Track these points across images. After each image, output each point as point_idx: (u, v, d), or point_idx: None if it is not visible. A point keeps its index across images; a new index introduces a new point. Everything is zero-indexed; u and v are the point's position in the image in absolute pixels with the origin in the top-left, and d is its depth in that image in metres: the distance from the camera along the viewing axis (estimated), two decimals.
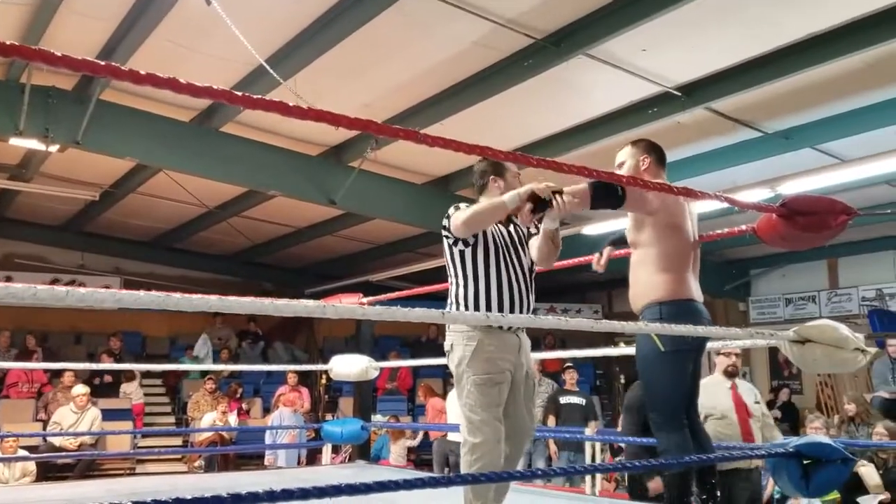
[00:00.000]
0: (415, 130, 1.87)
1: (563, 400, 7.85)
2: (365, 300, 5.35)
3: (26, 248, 11.39)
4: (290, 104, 1.84)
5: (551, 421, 7.57)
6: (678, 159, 7.41)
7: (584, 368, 11.57)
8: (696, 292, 2.96)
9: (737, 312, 11.50)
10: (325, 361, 5.70)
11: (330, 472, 5.83)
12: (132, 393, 9.62)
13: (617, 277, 11.92)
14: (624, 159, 3.16)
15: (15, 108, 6.27)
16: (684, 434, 2.87)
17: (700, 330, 2.70)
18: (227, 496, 1.69)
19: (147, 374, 10.51)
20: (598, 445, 5.50)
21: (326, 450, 7.11)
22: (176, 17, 5.39)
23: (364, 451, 7.07)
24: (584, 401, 7.89)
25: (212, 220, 10.46)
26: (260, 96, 1.85)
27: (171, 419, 10.34)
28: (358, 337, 8.43)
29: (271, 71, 5.23)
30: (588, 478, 5.24)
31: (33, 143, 6.70)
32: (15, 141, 6.64)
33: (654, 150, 3.12)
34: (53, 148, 6.85)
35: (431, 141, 1.84)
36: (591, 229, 8.03)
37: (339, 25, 5.43)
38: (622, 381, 13.59)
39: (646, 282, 2.95)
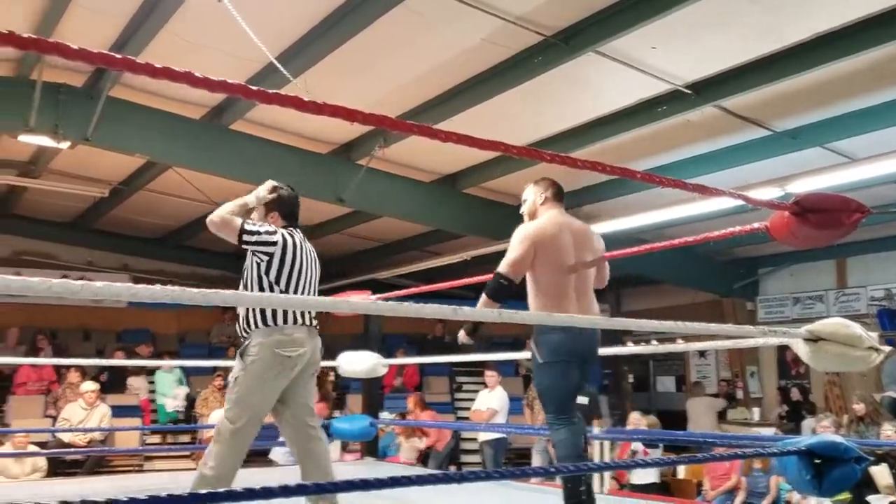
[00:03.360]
0: (428, 126, 1.87)
1: None
2: (373, 297, 5.36)
3: (34, 245, 11.42)
4: (291, 100, 1.85)
5: None
6: (687, 157, 7.41)
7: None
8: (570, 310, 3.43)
9: (745, 312, 11.45)
10: (333, 359, 5.70)
11: (339, 468, 5.81)
12: (140, 388, 9.65)
13: (625, 276, 11.92)
14: (526, 196, 3.72)
15: (25, 105, 6.30)
16: (571, 429, 3.42)
17: (713, 328, 2.71)
18: (223, 493, 1.69)
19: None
20: (606, 444, 5.49)
21: (335, 446, 7.14)
22: (185, 13, 5.41)
23: (372, 448, 7.08)
24: (587, 399, 7.85)
25: None
26: (276, 91, 1.85)
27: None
28: (366, 334, 8.41)
29: (281, 68, 5.23)
30: (596, 476, 5.23)
31: (44, 140, 6.72)
32: (25, 137, 6.68)
33: (551, 187, 3.65)
34: (64, 144, 6.88)
35: (444, 136, 1.84)
36: (599, 227, 8.00)
37: (348, 23, 5.44)
38: (630, 380, 13.59)
39: (531, 308, 3.53)
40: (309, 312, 3.44)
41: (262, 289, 3.32)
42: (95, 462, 7.95)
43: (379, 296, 5.45)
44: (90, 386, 8.16)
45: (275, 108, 6.87)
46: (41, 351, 9.90)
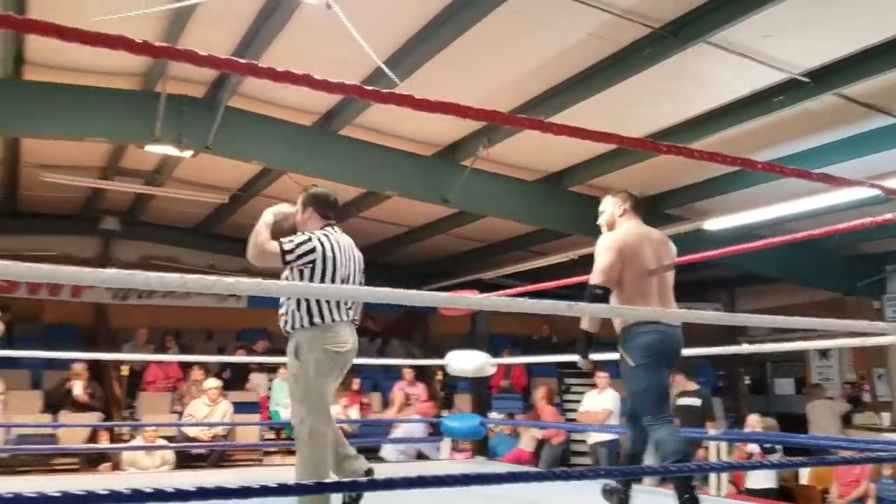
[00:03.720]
0: (540, 120, 1.87)
1: (679, 402, 7.63)
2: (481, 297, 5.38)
3: (160, 250, 12.08)
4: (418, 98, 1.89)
5: (675, 423, 7.35)
6: (809, 148, 7.06)
7: (702, 369, 11.20)
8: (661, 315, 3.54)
9: (871, 311, 10.80)
10: (440, 357, 5.77)
11: (449, 466, 5.89)
12: (259, 385, 10.07)
13: (740, 274, 11.47)
14: (604, 208, 3.84)
15: (151, 116, 6.69)
16: (669, 427, 3.49)
17: (838, 323, 2.59)
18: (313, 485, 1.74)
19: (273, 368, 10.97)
20: (723, 446, 5.31)
21: (445, 445, 7.21)
22: (296, 24, 5.60)
23: (483, 447, 7.09)
24: (699, 402, 7.62)
25: None
26: (389, 90, 1.89)
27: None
28: (473, 334, 8.45)
29: (388, 72, 5.34)
30: (713, 479, 5.07)
31: (168, 149, 7.12)
32: (151, 147, 7.09)
33: (630, 199, 3.77)
34: (187, 153, 7.26)
35: (558, 130, 1.84)
36: (713, 224, 7.77)
37: (453, 25, 5.49)
38: (747, 381, 13.06)
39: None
40: (351, 309, 3.52)
41: (307, 298, 3.41)
42: (219, 456, 8.35)
43: (484, 295, 5.47)
44: (213, 383, 8.56)
45: (381, 113, 7.10)
46: (168, 350, 10.47)
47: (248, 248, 3.52)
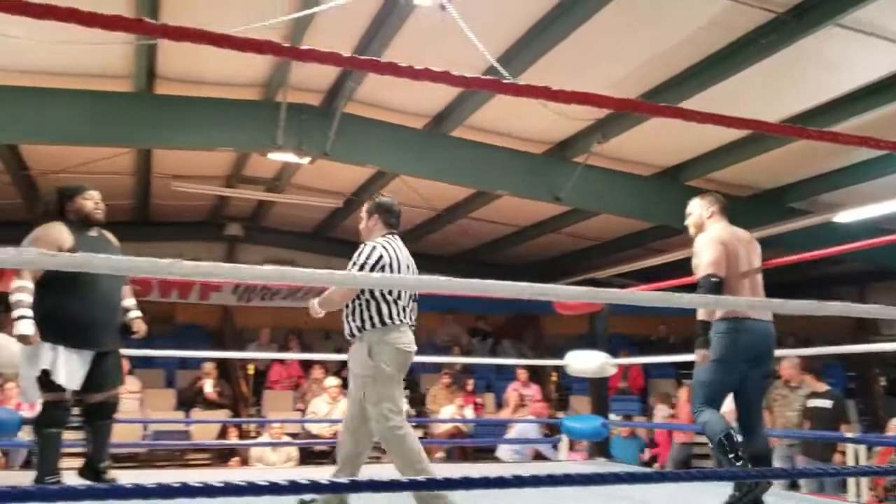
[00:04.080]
0: (673, 106, 1.82)
1: (809, 404, 7.23)
2: None
3: (281, 254, 12.53)
4: (538, 90, 1.87)
5: (806, 425, 7.01)
6: None
7: (831, 370, 10.60)
8: (750, 312, 3.62)
9: None
10: (556, 358, 5.72)
11: (571, 466, 5.83)
12: None
13: (871, 270, 10.80)
14: (691, 210, 3.95)
15: (273, 126, 6.97)
16: (711, 410, 3.60)
17: None
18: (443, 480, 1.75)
19: None
20: (861, 449, 5.01)
21: (563, 446, 7.13)
22: (409, 27, 5.69)
23: (604, 449, 6.96)
24: (831, 403, 7.20)
25: (439, 224, 10.89)
26: (510, 80, 1.89)
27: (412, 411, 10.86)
28: (591, 334, 8.31)
29: (502, 70, 5.35)
30: (852, 484, 4.80)
31: (289, 157, 7.40)
32: (274, 155, 7.38)
33: (718, 202, 3.89)
34: (305, 160, 7.52)
35: (691, 116, 1.78)
36: (845, 216, 7.35)
37: (564, 21, 5.45)
38: (882, 383, 12.26)
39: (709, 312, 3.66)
40: (413, 312, 3.61)
41: (376, 300, 3.47)
42: None
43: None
44: (333, 381, 8.81)
45: (491, 112, 7.11)
46: (291, 350, 10.86)
47: (323, 305, 3.69)
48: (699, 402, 3.66)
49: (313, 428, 8.59)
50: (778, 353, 4.24)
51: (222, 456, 8.88)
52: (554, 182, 7.88)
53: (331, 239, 12.41)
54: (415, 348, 3.57)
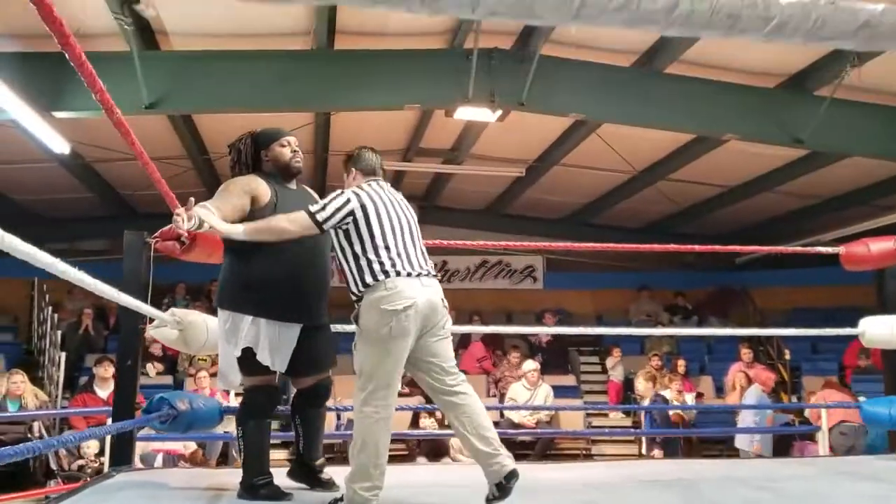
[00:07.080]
0: None
1: None
2: None
3: (456, 234, 11.86)
4: None
5: None
6: None
7: None
8: None
9: None
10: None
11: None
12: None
13: None
14: None
15: (462, 76, 6.18)
16: None
17: None
18: None
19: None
20: None
21: (822, 436, 5.92)
22: None
23: None
24: None
25: (634, 188, 9.80)
26: None
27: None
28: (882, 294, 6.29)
29: None
30: None
31: (481, 112, 6.57)
32: (463, 110, 6.56)
33: None
34: (496, 114, 6.65)
35: None
36: None
37: None
38: None
39: None
40: (419, 261, 2.92)
41: (356, 255, 2.89)
42: (545, 445, 7.69)
43: None
44: (531, 365, 7.97)
45: (713, 43, 5.94)
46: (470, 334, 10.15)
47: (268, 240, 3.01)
48: None
49: (514, 417, 7.75)
50: None
51: (409, 449, 8.16)
52: (793, 121, 6.60)
53: (504, 215, 11.74)
54: (409, 303, 2.79)
